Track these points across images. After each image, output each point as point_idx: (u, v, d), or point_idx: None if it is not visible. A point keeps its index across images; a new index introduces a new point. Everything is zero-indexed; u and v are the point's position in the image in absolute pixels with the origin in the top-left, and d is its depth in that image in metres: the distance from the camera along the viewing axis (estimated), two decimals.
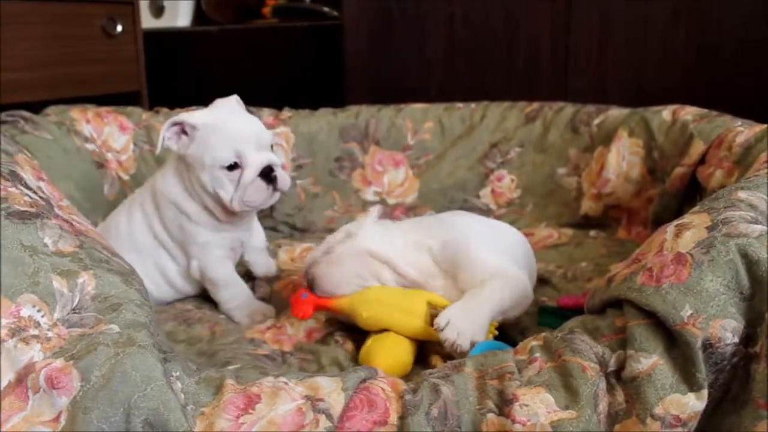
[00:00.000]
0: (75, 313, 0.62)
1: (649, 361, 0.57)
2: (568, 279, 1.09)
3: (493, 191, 1.40)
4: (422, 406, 0.58)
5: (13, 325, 0.59)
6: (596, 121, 1.35)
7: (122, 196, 1.21)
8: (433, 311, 0.83)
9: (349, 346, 0.89)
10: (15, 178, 0.74)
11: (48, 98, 1.43)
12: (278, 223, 1.38)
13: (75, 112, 1.27)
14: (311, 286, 0.92)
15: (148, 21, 2.10)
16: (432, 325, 0.81)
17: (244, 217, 1.01)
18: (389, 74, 1.83)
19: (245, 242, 1.07)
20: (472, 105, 1.45)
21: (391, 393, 0.59)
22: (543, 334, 0.66)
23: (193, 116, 0.94)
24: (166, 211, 1.00)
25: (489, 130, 1.41)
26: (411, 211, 1.39)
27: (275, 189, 0.94)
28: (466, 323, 0.78)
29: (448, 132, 1.42)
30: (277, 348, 0.90)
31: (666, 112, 1.26)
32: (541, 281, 1.07)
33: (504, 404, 0.57)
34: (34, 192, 0.74)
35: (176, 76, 2.03)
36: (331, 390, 0.58)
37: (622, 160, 1.28)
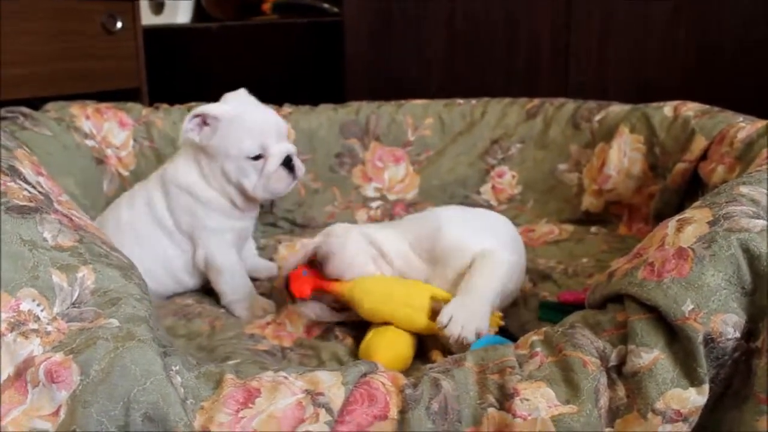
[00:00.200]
0: (74, 307, 0.62)
1: (651, 355, 0.57)
2: (569, 275, 1.08)
3: (493, 187, 1.40)
4: (422, 400, 0.57)
5: (12, 320, 0.58)
6: (597, 117, 1.35)
7: (122, 192, 1.21)
8: (436, 306, 0.83)
9: (349, 341, 0.89)
10: (14, 172, 0.74)
11: (48, 95, 1.43)
12: (278, 219, 1.38)
13: (75, 108, 1.27)
14: (322, 262, 0.90)
15: (147, 18, 2.10)
16: (434, 320, 0.80)
17: (257, 205, 1.05)
18: (389, 72, 1.83)
19: (249, 234, 1.09)
20: (473, 101, 1.45)
21: (392, 387, 0.59)
22: (544, 328, 0.66)
23: (214, 108, 0.97)
24: (178, 199, 1.01)
25: (490, 126, 1.41)
26: (411, 207, 1.38)
27: (294, 177, 1.00)
28: (468, 314, 0.78)
29: (448, 128, 1.42)
30: (276, 343, 0.90)
31: (667, 108, 1.26)
32: (542, 277, 1.07)
33: (505, 399, 0.57)
34: (33, 187, 0.74)
35: (176, 72, 2.03)
36: (331, 384, 0.58)
37: (623, 156, 1.28)
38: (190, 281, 1.06)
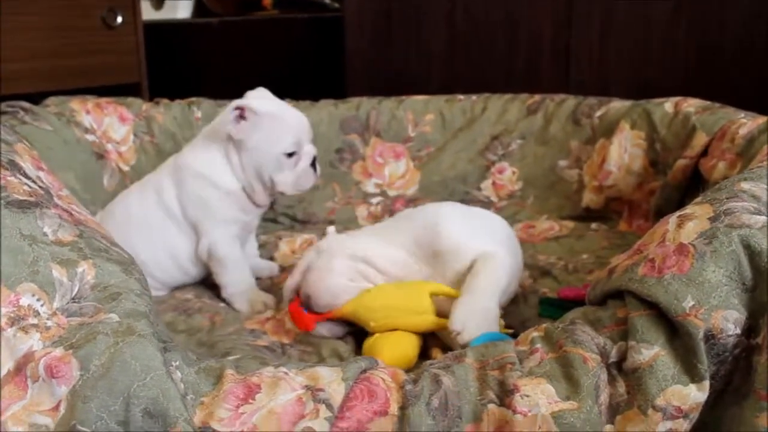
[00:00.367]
0: (74, 302, 0.62)
1: (651, 352, 0.57)
2: (569, 271, 1.08)
3: (494, 183, 1.39)
4: (423, 396, 0.57)
5: (12, 314, 0.58)
6: (598, 114, 1.34)
7: (122, 187, 1.21)
8: (440, 300, 0.82)
9: (350, 337, 0.89)
10: (14, 167, 0.74)
11: (48, 89, 1.42)
12: (278, 215, 1.38)
13: (75, 103, 1.26)
14: (307, 306, 0.89)
15: (148, 12, 2.10)
16: (440, 315, 0.80)
17: (269, 203, 1.09)
18: (390, 68, 1.82)
19: (253, 229, 1.11)
20: (473, 97, 1.45)
21: (392, 383, 0.59)
22: (544, 325, 0.66)
23: (255, 103, 1.00)
24: (191, 186, 1.01)
25: (490, 122, 1.41)
26: (412, 203, 1.38)
27: (317, 176, 1.06)
28: (480, 319, 0.78)
29: (449, 124, 1.41)
30: (276, 339, 0.90)
31: (668, 104, 1.25)
32: (542, 273, 1.07)
33: (505, 395, 0.57)
34: (33, 181, 0.73)
35: (177, 67, 2.03)
36: (332, 380, 0.58)
37: (623, 152, 1.28)
38: (194, 270, 1.07)
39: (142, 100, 1.39)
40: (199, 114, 1.36)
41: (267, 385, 0.57)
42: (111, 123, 1.30)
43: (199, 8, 2.31)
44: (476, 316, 0.78)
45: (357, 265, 0.88)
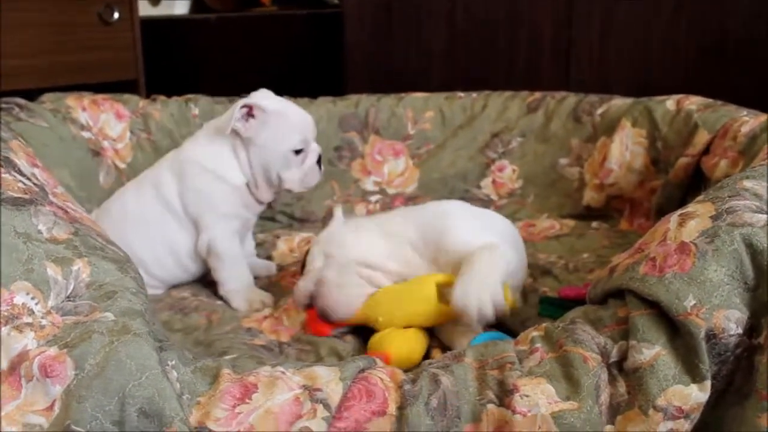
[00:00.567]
0: (69, 300, 0.61)
1: (652, 351, 0.57)
2: (570, 270, 1.08)
3: (494, 181, 1.39)
4: (421, 396, 0.57)
5: (6, 313, 0.58)
6: (599, 111, 1.33)
7: (118, 184, 1.20)
8: (445, 290, 0.82)
9: (349, 336, 0.88)
10: (9, 164, 0.73)
11: (44, 86, 1.41)
12: (276, 213, 1.37)
13: (71, 100, 1.26)
14: (323, 316, 0.89)
15: (145, 9, 2.09)
16: (447, 304, 0.79)
17: (271, 201, 1.10)
18: (389, 65, 1.81)
19: (252, 226, 1.11)
20: (473, 94, 1.44)
21: (390, 383, 0.59)
22: (544, 324, 0.66)
23: (264, 101, 1.01)
24: (194, 180, 1.01)
25: (490, 119, 1.40)
26: (411, 201, 1.37)
27: (321, 174, 1.07)
28: (479, 285, 0.77)
29: (448, 121, 1.41)
30: (274, 338, 0.89)
31: (670, 102, 1.24)
32: (543, 272, 1.07)
33: (504, 395, 0.57)
34: (28, 178, 0.73)
35: (174, 64, 2.02)
36: (329, 380, 0.58)
37: (625, 150, 1.27)
38: (194, 266, 1.06)
39: (138, 96, 1.38)
40: (196, 111, 1.35)
41: (264, 385, 0.57)
42: (107, 120, 1.29)
43: (196, 4, 2.30)
44: (475, 284, 0.77)
45: (363, 272, 0.89)
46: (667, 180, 1.19)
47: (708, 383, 0.56)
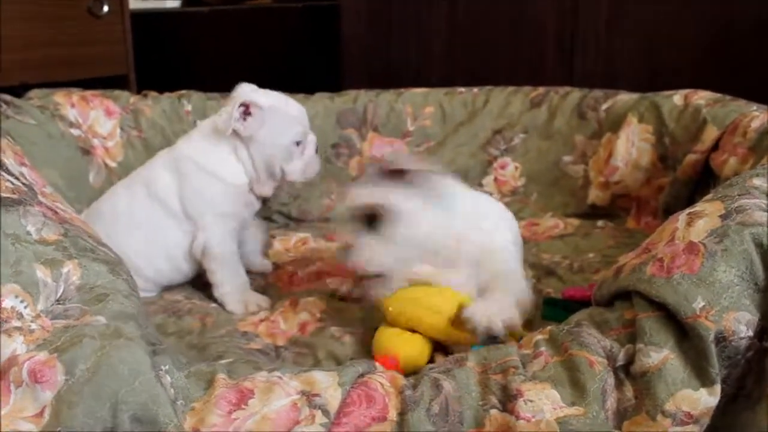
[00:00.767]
0: (59, 303, 0.60)
1: (660, 355, 0.56)
2: (574, 270, 1.06)
3: (496, 179, 1.37)
4: (422, 401, 0.56)
5: None
6: (604, 107, 1.32)
7: (108, 184, 1.18)
8: (462, 314, 0.80)
9: (347, 339, 0.87)
10: None
11: (30, 82, 1.39)
12: (273, 213, 1.36)
13: (59, 96, 1.23)
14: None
15: (135, 1, 2.06)
16: (459, 326, 0.77)
17: (269, 196, 1.09)
18: (388, 59, 1.79)
19: (248, 225, 1.10)
20: (475, 90, 1.42)
21: (390, 388, 0.58)
22: (549, 327, 0.64)
23: (259, 98, 1.01)
24: (196, 181, 1.01)
25: (492, 115, 1.38)
26: None
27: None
28: (495, 306, 0.76)
29: (449, 118, 1.39)
30: (270, 342, 0.88)
31: (677, 97, 1.23)
32: (547, 272, 1.05)
33: (508, 400, 0.56)
34: (17, 178, 0.72)
35: (166, 59, 1.99)
36: (328, 385, 0.57)
37: (631, 146, 1.25)
38: (187, 267, 1.05)
39: (129, 92, 1.36)
40: (189, 107, 1.33)
41: (260, 391, 0.56)
42: (97, 117, 1.26)
43: None
44: (491, 304, 0.76)
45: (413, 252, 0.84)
46: (674, 177, 1.17)
47: (718, 387, 0.55)
